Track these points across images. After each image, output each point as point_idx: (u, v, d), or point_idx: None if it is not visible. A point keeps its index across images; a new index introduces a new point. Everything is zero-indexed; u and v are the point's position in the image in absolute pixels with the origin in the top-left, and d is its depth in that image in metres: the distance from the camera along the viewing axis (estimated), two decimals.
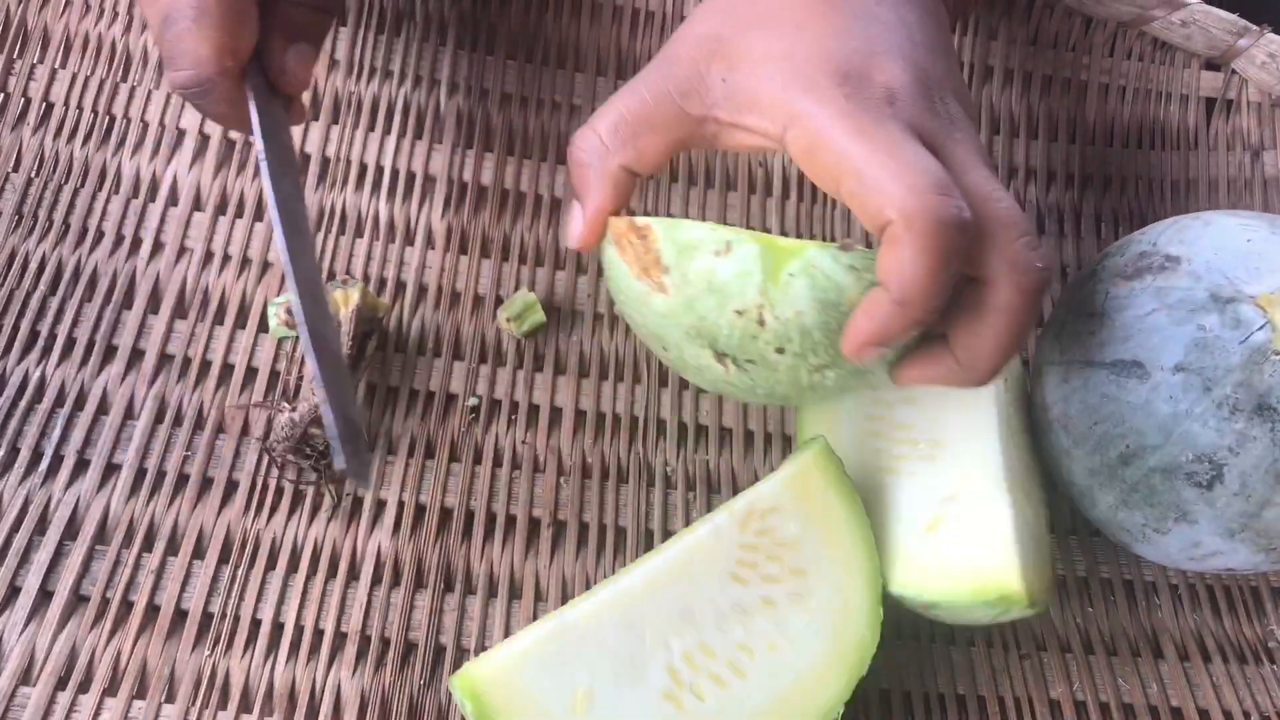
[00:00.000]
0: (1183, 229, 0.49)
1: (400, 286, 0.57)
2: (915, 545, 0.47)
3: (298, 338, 0.55)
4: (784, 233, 0.62)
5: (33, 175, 0.56)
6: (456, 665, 0.48)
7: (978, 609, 0.46)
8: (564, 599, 0.50)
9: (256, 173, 0.58)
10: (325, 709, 0.45)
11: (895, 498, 0.49)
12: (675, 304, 0.42)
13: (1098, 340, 0.48)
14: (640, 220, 0.43)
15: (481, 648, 0.48)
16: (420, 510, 0.52)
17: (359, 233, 0.58)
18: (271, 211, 0.44)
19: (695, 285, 0.42)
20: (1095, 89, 0.67)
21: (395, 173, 0.59)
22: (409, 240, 0.58)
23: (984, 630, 0.53)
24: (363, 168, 0.59)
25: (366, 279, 0.57)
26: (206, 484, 0.50)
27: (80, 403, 0.51)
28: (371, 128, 0.60)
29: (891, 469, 0.50)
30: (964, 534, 0.46)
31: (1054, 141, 0.66)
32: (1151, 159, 0.66)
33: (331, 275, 0.56)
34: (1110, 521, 0.50)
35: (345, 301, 0.53)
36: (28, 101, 0.57)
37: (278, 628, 0.47)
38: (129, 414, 0.51)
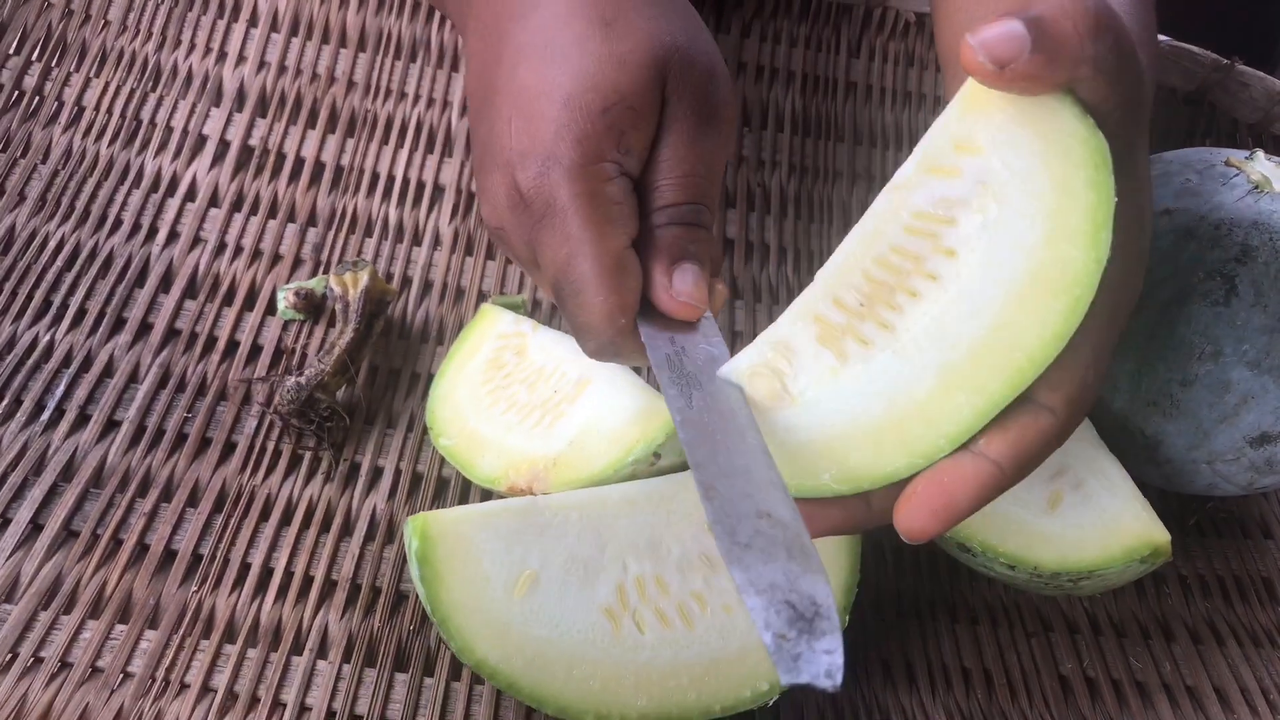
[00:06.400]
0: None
1: (407, 281, 0.59)
2: (1047, 526, 0.47)
3: (304, 320, 0.56)
4: (781, 249, 0.64)
5: (59, 168, 0.58)
6: None
7: (1131, 569, 0.45)
8: None
9: (274, 175, 0.61)
10: (310, 645, 0.44)
11: None
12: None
13: None
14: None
15: None
16: (417, 478, 0.51)
17: (369, 232, 0.60)
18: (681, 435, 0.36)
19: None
20: None
21: (406, 181, 0.62)
22: (417, 241, 0.60)
23: (988, 609, 0.51)
24: (375, 176, 0.62)
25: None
26: (205, 443, 0.51)
27: (86, 365, 0.52)
28: (385, 141, 0.63)
29: None
30: (1092, 502, 0.47)
31: None
32: None
33: (341, 259, 0.58)
34: (1132, 399, 0.49)
35: (354, 282, 0.54)
36: (60, 104, 0.60)
37: (267, 571, 0.47)
38: (133, 378, 0.52)
